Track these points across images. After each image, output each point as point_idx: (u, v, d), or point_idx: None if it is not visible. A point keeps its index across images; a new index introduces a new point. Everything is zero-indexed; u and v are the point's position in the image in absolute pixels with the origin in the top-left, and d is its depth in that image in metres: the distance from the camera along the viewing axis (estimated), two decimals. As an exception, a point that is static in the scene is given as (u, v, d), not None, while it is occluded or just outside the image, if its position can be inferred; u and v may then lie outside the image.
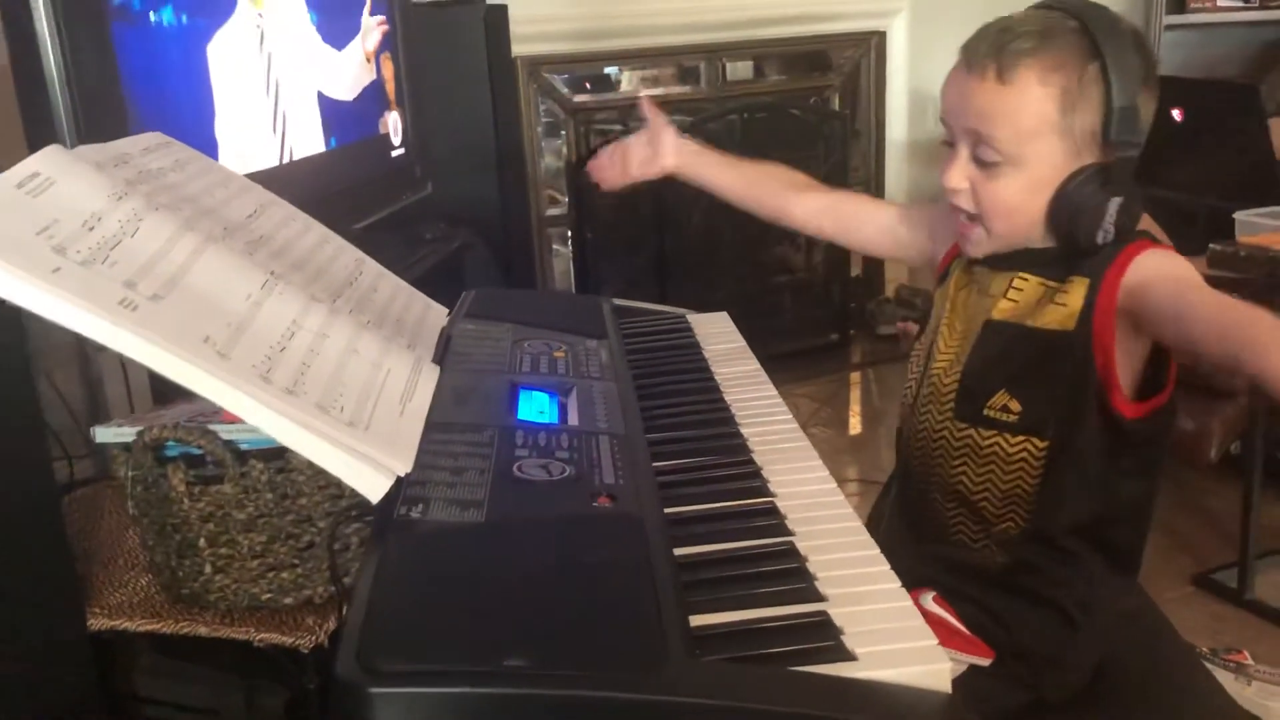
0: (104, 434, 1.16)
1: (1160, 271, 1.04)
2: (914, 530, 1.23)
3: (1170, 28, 3.50)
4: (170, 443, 1.11)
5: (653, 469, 0.82)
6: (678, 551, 0.70)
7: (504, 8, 2.72)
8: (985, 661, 1.02)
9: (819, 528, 0.74)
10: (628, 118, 3.38)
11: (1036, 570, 1.11)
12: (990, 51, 1.03)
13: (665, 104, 3.46)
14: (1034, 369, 1.09)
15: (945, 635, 0.95)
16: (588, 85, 3.33)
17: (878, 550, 0.71)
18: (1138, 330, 1.05)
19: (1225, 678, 1.82)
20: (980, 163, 1.06)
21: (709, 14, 3.34)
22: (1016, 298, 1.11)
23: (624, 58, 3.34)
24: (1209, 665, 1.75)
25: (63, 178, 0.71)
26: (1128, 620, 1.13)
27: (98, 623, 1.16)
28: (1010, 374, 1.11)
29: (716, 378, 1.06)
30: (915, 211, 1.34)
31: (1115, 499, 1.11)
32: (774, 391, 1.03)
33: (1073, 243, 1.06)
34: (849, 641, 0.60)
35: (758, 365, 1.12)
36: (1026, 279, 1.11)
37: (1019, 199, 1.07)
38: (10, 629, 1.04)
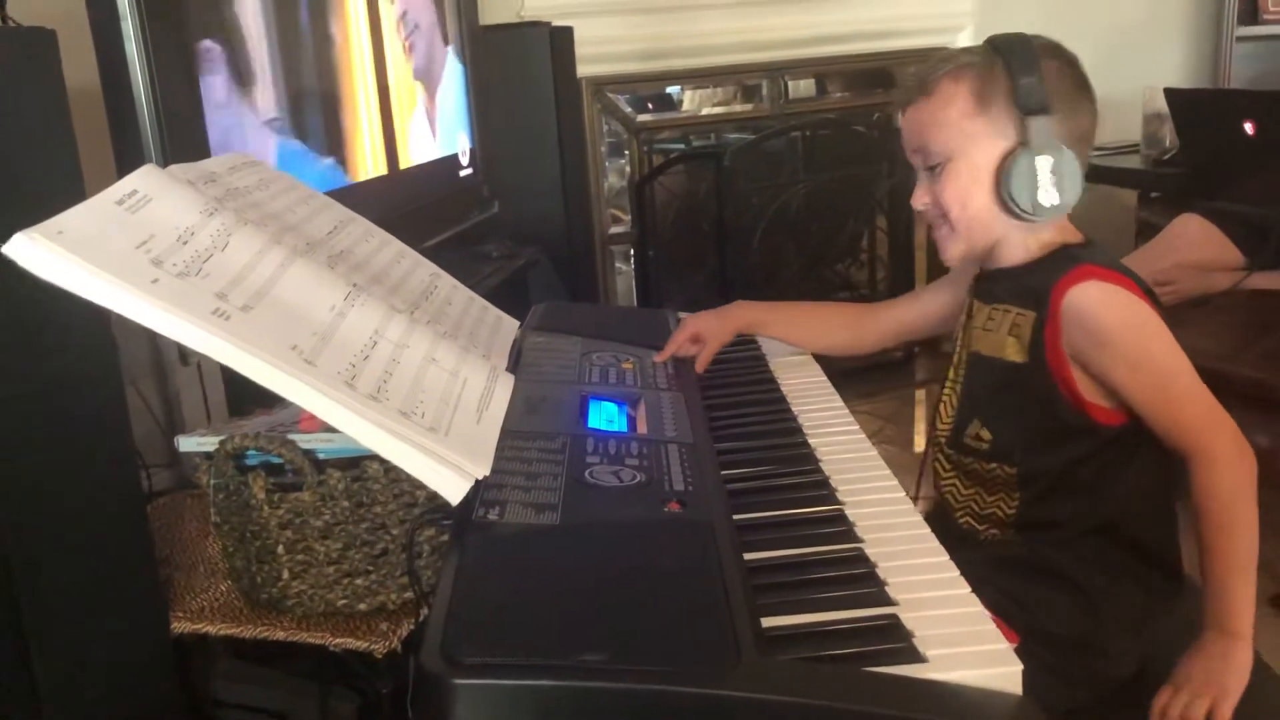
0: (187, 443, 1.20)
1: (1098, 323, 1.07)
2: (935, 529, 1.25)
3: (1242, 39, 3.44)
4: (251, 451, 1.14)
5: (721, 477, 0.83)
6: (748, 556, 0.71)
7: (569, 29, 2.76)
8: (1009, 646, 1.02)
9: (888, 535, 0.75)
10: (690, 135, 3.41)
11: (1052, 559, 1.13)
12: (919, 80, 1.15)
13: (728, 121, 3.50)
14: (998, 399, 1.16)
15: None
16: (650, 105, 3.36)
17: (947, 557, 0.71)
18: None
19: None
20: (930, 174, 1.15)
21: (770, 33, 3.35)
22: (990, 326, 1.18)
23: (686, 77, 3.36)
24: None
25: (158, 195, 0.75)
26: (1185, 626, 1.12)
27: (180, 626, 1.19)
28: (981, 404, 1.18)
29: (783, 389, 1.07)
30: (935, 285, 1.42)
31: (1116, 500, 1.13)
32: (840, 403, 1.04)
33: (1022, 210, 1.11)
34: (919, 644, 0.61)
35: (824, 377, 1.13)
36: (995, 309, 1.17)
37: (966, 187, 1.13)
38: (98, 632, 1.08)
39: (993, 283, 1.20)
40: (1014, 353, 1.14)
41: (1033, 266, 1.16)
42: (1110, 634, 1.10)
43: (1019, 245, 1.17)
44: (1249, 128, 2.47)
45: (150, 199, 0.73)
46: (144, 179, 0.75)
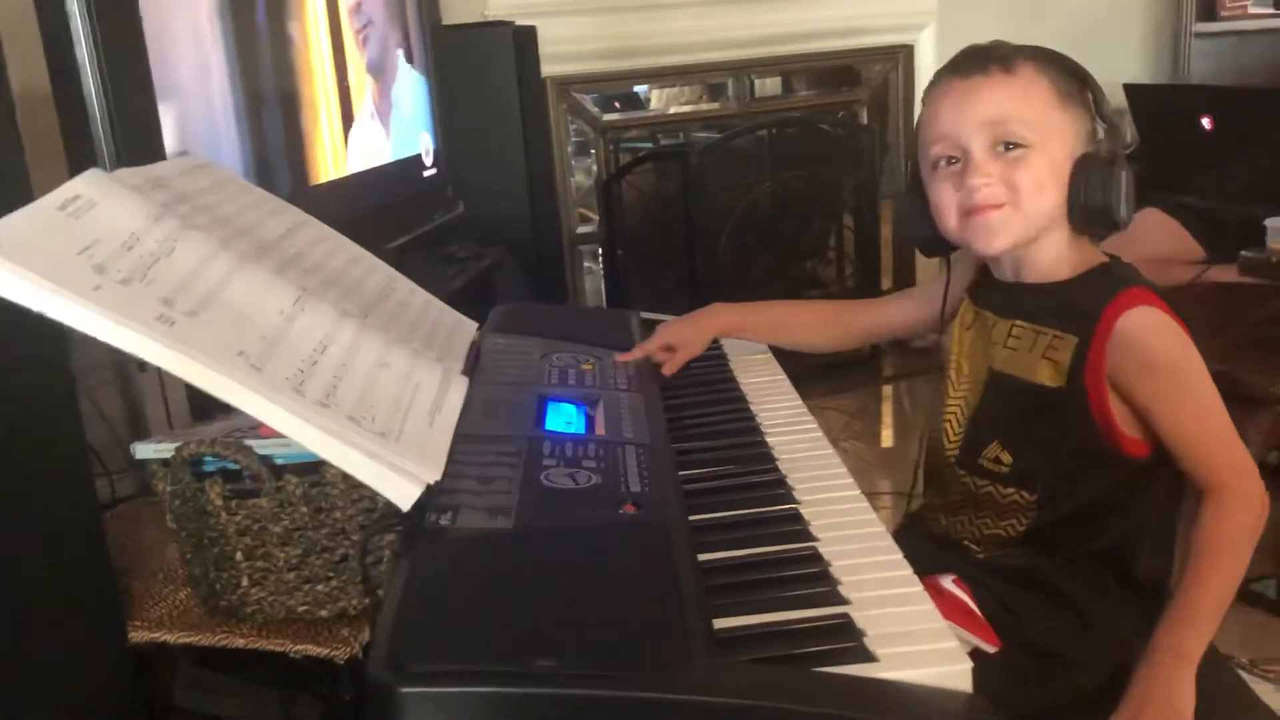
0: (143, 450, 1.18)
1: (1149, 351, 1.04)
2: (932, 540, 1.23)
3: (1200, 35, 3.48)
4: (208, 458, 1.13)
5: (678, 478, 0.83)
6: (702, 557, 0.71)
7: (533, 29, 2.76)
8: (991, 648, 1.01)
9: (843, 534, 0.75)
10: (657, 134, 3.40)
11: (1051, 577, 1.11)
12: (982, 59, 1.09)
13: (694, 120, 3.50)
14: (1026, 423, 1.11)
15: (959, 614, 0.98)
16: (617, 104, 3.35)
17: (900, 555, 0.71)
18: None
19: (1264, 688, 1.80)
20: (1002, 154, 1.07)
21: (736, 31, 3.35)
22: (1015, 346, 1.13)
23: (652, 76, 3.37)
24: (1247, 676, 1.73)
25: (103, 200, 0.74)
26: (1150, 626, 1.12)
27: (138, 635, 1.18)
28: (1004, 426, 1.13)
29: (743, 388, 1.07)
30: (922, 288, 1.40)
31: (1125, 529, 1.11)
32: (799, 401, 1.04)
33: (1094, 218, 1.08)
34: (871, 643, 0.61)
35: (784, 376, 1.13)
36: (1024, 327, 1.12)
37: (1044, 178, 1.07)
38: (53, 641, 1.07)
39: (1016, 296, 1.14)
40: (1048, 377, 1.08)
41: (1074, 286, 1.11)
42: (1096, 653, 1.09)
43: (1058, 257, 1.11)
44: (1207, 122, 2.50)
45: (94, 204, 0.72)
46: (88, 184, 0.74)
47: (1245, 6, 3.48)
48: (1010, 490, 1.12)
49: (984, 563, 1.15)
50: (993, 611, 1.05)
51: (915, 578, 0.68)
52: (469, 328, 1.05)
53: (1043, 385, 1.08)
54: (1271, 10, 3.48)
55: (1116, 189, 1.06)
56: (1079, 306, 1.08)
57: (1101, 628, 1.10)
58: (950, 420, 1.19)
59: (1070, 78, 1.09)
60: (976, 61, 1.09)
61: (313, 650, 1.13)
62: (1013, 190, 1.07)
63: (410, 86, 2.18)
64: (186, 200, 0.84)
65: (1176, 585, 1.03)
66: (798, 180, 3.34)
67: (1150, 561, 1.13)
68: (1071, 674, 1.09)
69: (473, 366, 0.99)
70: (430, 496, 0.70)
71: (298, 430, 0.64)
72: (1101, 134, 1.08)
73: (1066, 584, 1.11)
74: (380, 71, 2.03)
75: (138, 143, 1.26)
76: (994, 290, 1.17)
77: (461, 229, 2.45)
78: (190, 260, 0.73)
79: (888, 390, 3.40)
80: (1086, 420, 1.06)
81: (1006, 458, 1.12)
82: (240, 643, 1.15)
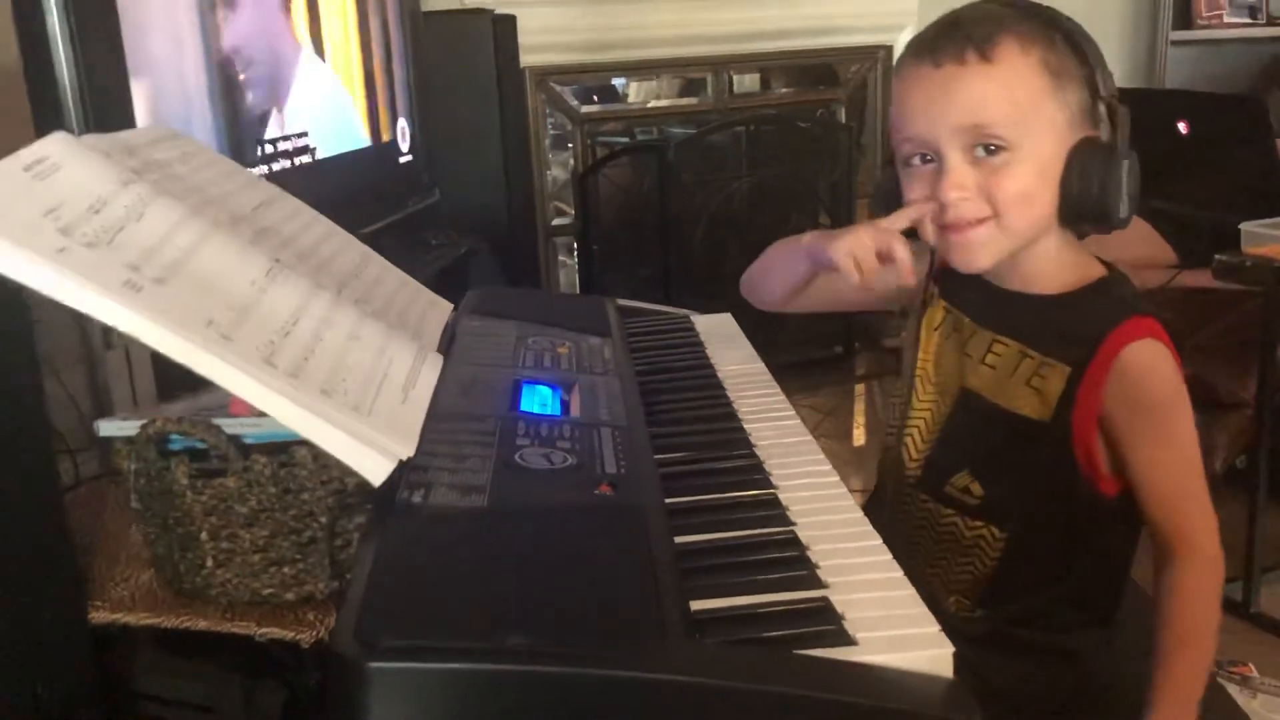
0: (107, 427, 1.16)
1: (1146, 391, 0.95)
2: None
3: (1176, 43, 3.51)
4: (174, 436, 1.11)
5: (654, 460, 0.82)
6: (678, 539, 0.70)
7: (512, 18, 2.74)
8: (940, 629, 0.96)
9: (821, 519, 0.74)
10: (634, 128, 3.39)
11: (1013, 635, 1.04)
12: (959, 38, 0.94)
13: (673, 115, 3.48)
14: (1001, 454, 1.01)
15: None
16: (595, 97, 3.34)
17: (879, 540, 0.71)
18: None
19: (1231, 691, 1.81)
20: (982, 159, 0.94)
21: (716, 26, 3.35)
22: (995, 364, 1.02)
23: (631, 69, 3.36)
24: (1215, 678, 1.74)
25: (70, 163, 0.72)
26: (1112, 633, 1.08)
27: (99, 616, 1.16)
28: (976, 455, 1.02)
29: (720, 375, 1.06)
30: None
31: (1085, 571, 1.04)
32: (777, 389, 1.03)
33: (1088, 216, 0.96)
34: (850, 627, 0.60)
35: (761, 364, 1.12)
36: (1007, 344, 1.01)
37: (1034, 184, 0.95)
38: (11, 622, 1.04)
39: (999, 304, 1.02)
40: (1031, 408, 0.98)
41: (1070, 303, 0.99)
42: (1063, 684, 1.05)
43: (1051, 265, 0.99)
44: (1182, 127, 2.51)
45: (60, 166, 0.70)
46: (55, 145, 0.72)
47: (1221, 15, 3.51)
48: (978, 524, 1.02)
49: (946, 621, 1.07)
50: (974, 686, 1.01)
51: (894, 563, 0.68)
52: (444, 308, 1.04)
53: (1024, 416, 0.98)
54: (1247, 19, 3.51)
55: (1117, 182, 0.93)
56: (1076, 330, 0.97)
57: (1067, 665, 1.04)
58: (913, 435, 1.09)
59: (1062, 49, 0.95)
60: (952, 43, 0.94)
61: (278, 633, 1.11)
62: (994, 203, 0.95)
63: (322, 83, 1.95)
64: (157, 168, 0.83)
65: (1156, 659, 0.95)
66: (774, 177, 3.34)
67: (1103, 588, 1.07)
68: (1046, 703, 1.04)
69: (447, 347, 0.98)
70: (402, 474, 0.69)
71: (268, 401, 0.63)
72: (1103, 111, 0.96)
73: (1033, 637, 1.04)
74: (275, 99, 1.82)
75: (109, 117, 1.23)
76: (970, 289, 1.04)
77: (437, 217, 2.43)
78: (160, 227, 0.72)
79: (860, 389, 3.41)
80: (1066, 456, 0.97)
81: (977, 489, 1.02)
82: (203, 625, 1.13)
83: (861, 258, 0.98)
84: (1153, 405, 0.95)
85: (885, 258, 0.98)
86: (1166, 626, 0.95)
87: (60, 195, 0.67)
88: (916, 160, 0.99)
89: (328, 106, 1.88)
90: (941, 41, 0.95)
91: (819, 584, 0.65)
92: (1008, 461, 1.01)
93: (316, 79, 1.84)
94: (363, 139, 2.06)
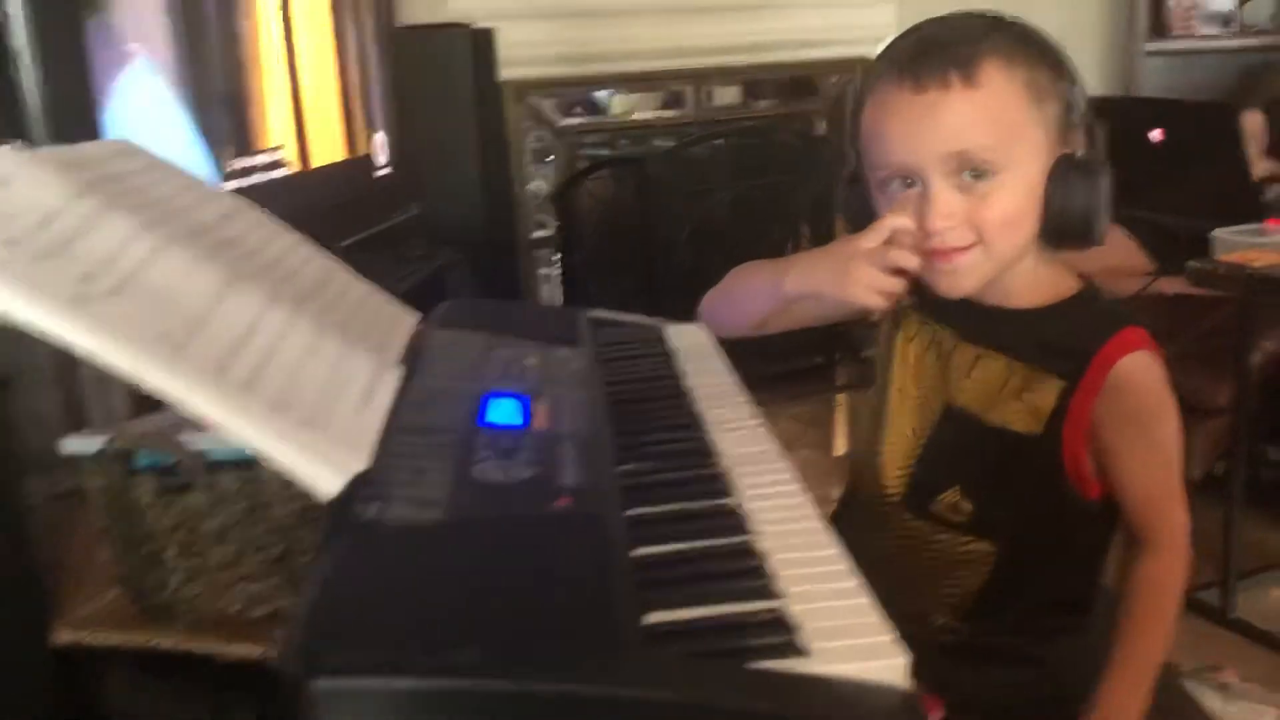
0: (72, 445, 1.15)
1: (1139, 402, 0.96)
2: None
3: (1151, 53, 3.53)
4: (140, 453, 1.10)
5: (616, 472, 0.81)
6: (638, 551, 0.69)
7: (490, 32, 2.74)
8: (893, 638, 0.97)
9: (780, 528, 0.74)
10: (615, 141, 3.40)
11: (998, 644, 1.05)
12: (941, 60, 0.93)
13: (653, 128, 3.49)
14: (992, 471, 1.01)
15: None
16: (575, 109, 3.34)
17: (837, 550, 0.70)
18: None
19: (1209, 697, 1.81)
20: (968, 184, 0.94)
21: (695, 39, 3.36)
22: (981, 379, 1.01)
23: (611, 82, 3.36)
24: (1192, 684, 1.74)
25: (19, 176, 0.71)
26: (1084, 639, 1.09)
27: (63, 636, 1.15)
28: (965, 472, 1.03)
29: (688, 384, 1.06)
30: None
31: (1067, 574, 1.06)
32: (744, 398, 1.02)
33: (1072, 237, 0.96)
34: (804, 637, 0.60)
35: (730, 374, 1.11)
36: (993, 359, 1.01)
37: (1020, 207, 0.95)
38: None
39: (981, 319, 1.02)
40: (1021, 422, 0.98)
41: (1053, 316, 1.00)
42: (1039, 692, 1.05)
43: (1030, 277, 1.00)
44: (1156, 135, 2.53)
45: (8, 181, 0.69)
46: (2, 161, 0.71)
47: (1194, 25, 3.54)
48: (969, 539, 1.02)
49: (927, 641, 1.07)
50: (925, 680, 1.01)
51: (850, 572, 0.67)
52: (409, 320, 1.03)
53: (1014, 431, 0.98)
54: (1220, 29, 3.54)
55: (1097, 202, 0.93)
56: (1064, 342, 0.98)
57: (1055, 662, 1.05)
58: (890, 452, 1.08)
59: (1040, 65, 0.95)
60: (934, 66, 0.92)
61: (245, 652, 1.10)
62: (980, 230, 0.94)
63: (294, 95, 1.90)
64: (114, 181, 0.82)
65: (1115, 640, 0.97)
66: (755, 190, 3.35)
67: (1087, 590, 1.08)
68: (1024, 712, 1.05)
69: (412, 360, 0.97)
70: (357, 487, 0.68)
71: (216, 414, 0.62)
72: (1077, 120, 0.96)
73: (1019, 645, 1.04)
74: (247, 111, 1.80)
75: (74, 128, 1.23)
76: (950, 303, 1.02)
77: (416, 230, 2.43)
78: (112, 239, 0.71)
79: (840, 399, 3.41)
80: (1055, 467, 0.98)
81: (967, 506, 1.02)
82: (170, 644, 1.12)
83: (882, 286, 0.96)
84: (1146, 415, 0.97)
85: (897, 273, 0.97)
86: (1129, 612, 0.98)
87: (6, 209, 0.67)
88: (896, 184, 0.98)
89: (300, 119, 1.88)
90: (922, 63, 0.93)
91: (774, 594, 0.65)
92: (998, 477, 1.01)
93: (289, 92, 1.84)
94: (338, 152, 2.05)
